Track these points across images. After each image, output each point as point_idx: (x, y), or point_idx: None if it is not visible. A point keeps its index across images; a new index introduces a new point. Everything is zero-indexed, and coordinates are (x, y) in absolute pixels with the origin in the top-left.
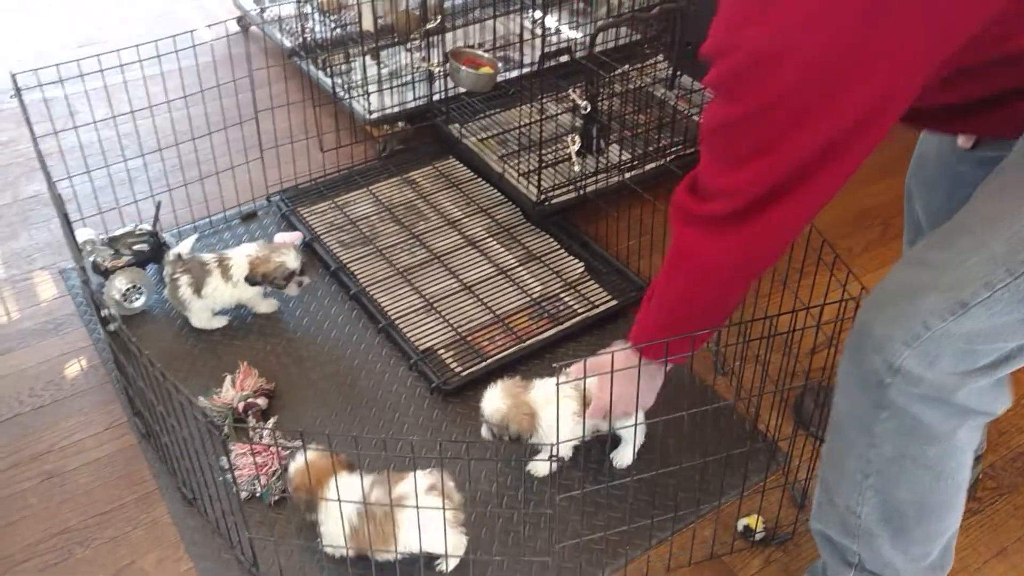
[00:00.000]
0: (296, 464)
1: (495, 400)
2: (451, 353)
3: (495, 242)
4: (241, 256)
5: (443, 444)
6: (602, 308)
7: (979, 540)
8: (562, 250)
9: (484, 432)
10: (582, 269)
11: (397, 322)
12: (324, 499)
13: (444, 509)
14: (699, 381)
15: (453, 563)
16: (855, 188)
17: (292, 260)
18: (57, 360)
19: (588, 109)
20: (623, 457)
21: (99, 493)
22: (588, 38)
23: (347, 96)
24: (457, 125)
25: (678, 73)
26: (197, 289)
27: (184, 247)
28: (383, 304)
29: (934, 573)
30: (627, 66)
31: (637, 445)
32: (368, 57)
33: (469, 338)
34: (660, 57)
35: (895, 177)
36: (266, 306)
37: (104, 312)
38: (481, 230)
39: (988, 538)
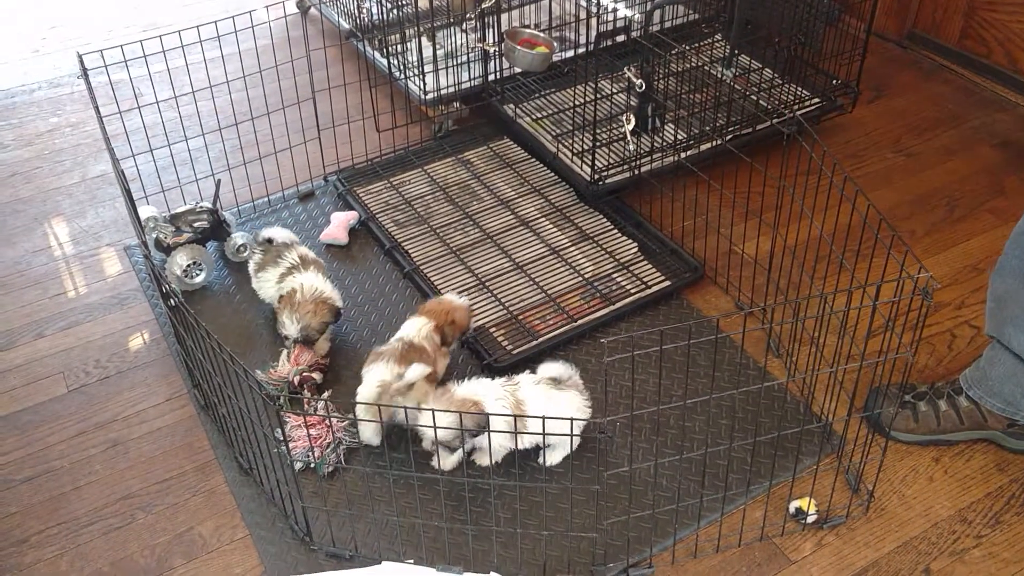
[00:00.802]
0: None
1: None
2: (503, 331)
3: (548, 222)
4: (298, 281)
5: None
6: (655, 288)
7: None
8: (615, 230)
9: (428, 446)
10: (635, 249)
11: None
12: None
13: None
14: (753, 362)
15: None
16: (917, 170)
17: (289, 327)
18: (121, 333)
19: (643, 87)
20: (552, 458)
21: (160, 461)
22: (644, 17)
23: (403, 77)
24: (512, 105)
25: (736, 52)
26: (257, 271)
27: (278, 234)
28: (436, 282)
29: None
30: (684, 45)
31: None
32: (424, 38)
33: (521, 317)
34: (718, 36)
35: (958, 159)
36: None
37: (165, 287)
38: (534, 210)
39: None
